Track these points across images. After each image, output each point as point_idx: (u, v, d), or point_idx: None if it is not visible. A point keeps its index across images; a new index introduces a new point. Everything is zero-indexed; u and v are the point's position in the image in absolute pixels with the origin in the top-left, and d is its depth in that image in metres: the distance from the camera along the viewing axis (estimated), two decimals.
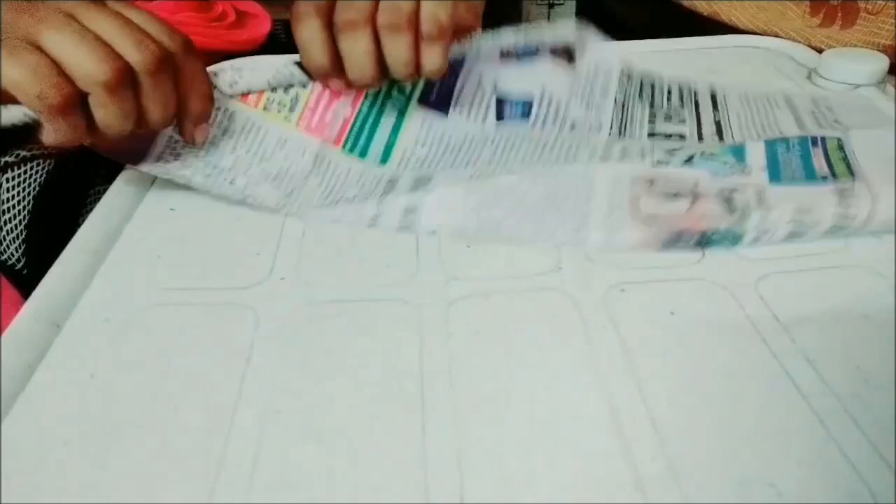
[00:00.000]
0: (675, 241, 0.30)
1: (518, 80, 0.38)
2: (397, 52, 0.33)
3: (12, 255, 0.46)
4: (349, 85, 0.35)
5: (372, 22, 0.33)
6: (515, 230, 0.31)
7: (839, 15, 0.52)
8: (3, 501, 0.20)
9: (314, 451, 0.22)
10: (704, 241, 0.30)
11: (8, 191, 0.46)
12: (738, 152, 0.33)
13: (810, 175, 0.31)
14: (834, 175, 0.31)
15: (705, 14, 0.57)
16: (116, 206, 0.34)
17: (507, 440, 0.22)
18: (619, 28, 0.69)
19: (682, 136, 0.36)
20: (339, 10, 0.33)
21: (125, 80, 0.28)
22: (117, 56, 0.28)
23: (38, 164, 0.47)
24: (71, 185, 0.48)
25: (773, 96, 0.38)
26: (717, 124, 0.36)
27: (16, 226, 0.46)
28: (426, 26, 0.33)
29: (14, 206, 0.46)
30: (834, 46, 0.51)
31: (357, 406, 0.23)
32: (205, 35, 0.58)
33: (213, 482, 0.21)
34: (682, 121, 0.37)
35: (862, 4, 0.51)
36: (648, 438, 0.22)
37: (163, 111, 0.30)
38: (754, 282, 0.28)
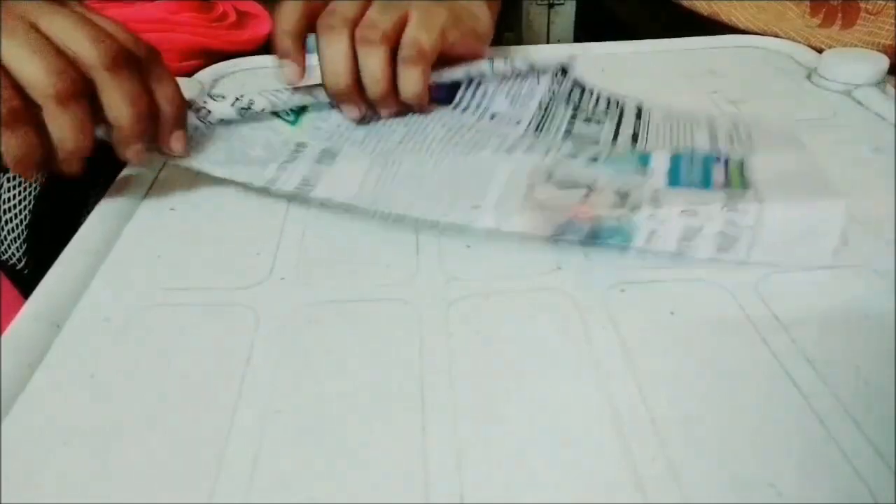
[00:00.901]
0: (565, 229, 0.30)
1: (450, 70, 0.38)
2: (369, 66, 0.34)
3: (13, 254, 0.46)
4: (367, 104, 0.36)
5: (388, 41, 0.34)
6: (407, 206, 0.31)
7: (839, 15, 0.52)
8: (3, 501, 0.20)
9: (314, 451, 0.22)
10: (595, 233, 0.30)
11: (9, 191, 0.46)
12: (644, 158, 0.34)
13: (707, 184, 0.32)
14: (728, 186, 0.32)
15: (705, 14, 0.57)
16: (116, 206, 0.34)
17: (507, 440, 0.22)
18: (619, 28, 0.69)
19: (596, 141, 0.36)
20: (361, 26, 0.34)
21: (77, 91, 0.28)
22: (70, 67, 0.28)
23: None
24: (72, 186, 0.48)
25: (697, 117, 0.38)
26: (635, 135, 0.36)
27: (17, 226, 0.46)
28: (405, 50, 0.34)
29: (15, 207, 0.46)
30: (834, 46, 0.51)
31: (357, 406, 0.23)
32: (205, 35, 0.58)
33: (213, 482, 0.21)
34: (600, 124, 0.37)
35: (862, 4, 0.51)
36: (648, 438, 0.22)
37: (128, 109, 0.29)
38: (754, 282, 0.28)
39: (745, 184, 0.32)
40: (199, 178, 0.37)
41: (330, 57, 0.34)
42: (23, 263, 0.46)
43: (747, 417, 0.22)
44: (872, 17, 0.51)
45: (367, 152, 0.35)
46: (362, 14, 0.34)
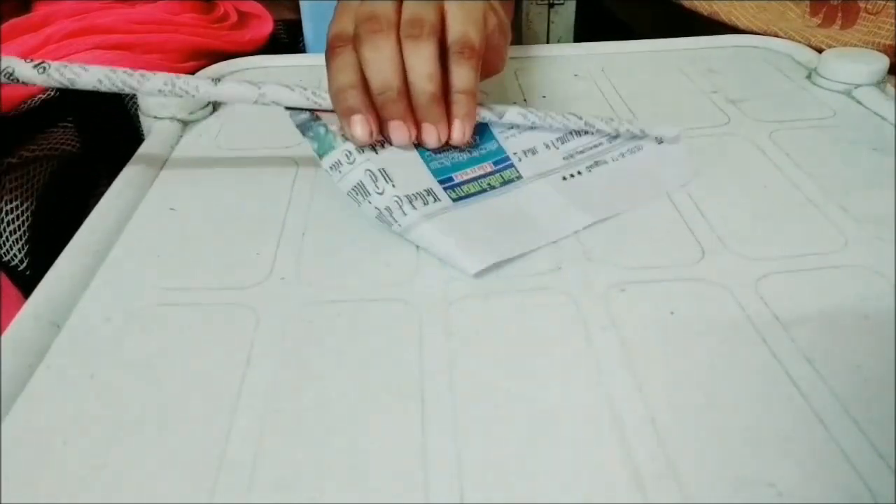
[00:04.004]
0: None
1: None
2: (420, 63, 0.30)
3: (15, 255, 0.46)
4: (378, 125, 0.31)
5: (437, 34, 0.31)
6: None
7: (839, 15, 0.52)
8: (3, 501, 0.20)
9: (314, 451, 0.22)
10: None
11: (11, 192, 0.46)
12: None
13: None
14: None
15: (705, 14, 0.57)
16: (116, 206, 0.34)
17: (507, 440, 0.22)
18: (619, 28, 0.69)
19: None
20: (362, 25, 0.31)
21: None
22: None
23: (40, 166, 0.47)
24: (73, 186, 0.48)
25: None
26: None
27: (19, 226, 0.46)
28: (455, 46, 0.31)
29: (17, 207, 0.46)
30: (834, 46, 0.51)
31: (357, 406, 0.23)
32: (206, 36, 0.58)
33: (213, 482, 0.21)
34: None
35: (862, 4, 0.51)
36: (648, 438, 0.22)
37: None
38: (754, 282, 0.28)
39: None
40: (199, 178, 0.37)
41: (376, 60, 0.30)
42: (25, 264, 0.46)
43: (747, 417, 0.22)
44: (872, 17, 0.51)
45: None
46: (399, 13, 0.31)
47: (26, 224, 0.46)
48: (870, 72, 0.43)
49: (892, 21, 0.50)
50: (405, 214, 0.30)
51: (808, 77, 0.46)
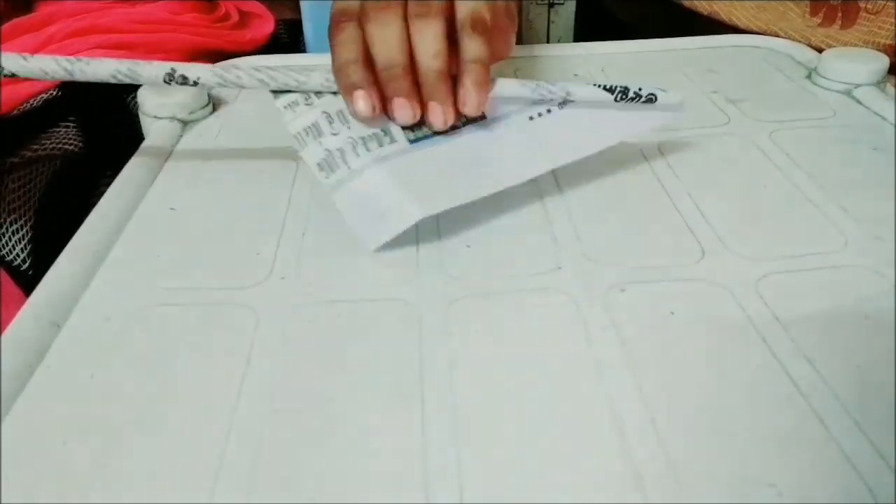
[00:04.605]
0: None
1: None
2: (426, 41, 0.29)
3: (17, 255, 0.46)
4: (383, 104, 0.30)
5: (445, 12, 0.30)
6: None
7: (839, 15, 0.52)
8: (3, 501, 0.20)
9: (314, 451, 0.22)
10: None
11: (13, 191, 0.46)
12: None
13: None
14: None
15: (705, 14, 0.57)
16: (116, 206, 0.34)
17: (507, 440, 0.22)
18: (619, 28, 0.69)
19: None
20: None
21: None
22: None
23: (43, 165, 0.47)
24: (76, 186, 0.48)
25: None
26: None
27: (21, 226, 0.46)
28: (466, 21, 0.30)
29: (19, 207, 0.46)
30: (834, 46, 0.51)
31: (357, 406, 0.23)
32: (208, 35, 0.58)
33: (213, 482, 0.21)
34: None
35: (862, 4, 0.51)
36: (648, 438, 0.22)
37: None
38: (754, 282, 0.28)
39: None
40: (199, 178, 0.37)
41: (382, 37, 0.29)
42: (28, 264, 0.46)
43: (747, 417, 0.22)
44: (872, 16, 0.51)
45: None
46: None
47: (29, 223, 0.46)
48: (870, 72, 0.43)
49: (892, 21, 0.50)
50: (357, 156, 0.29)
51: (808, 77, 0.46)
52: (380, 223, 0.29)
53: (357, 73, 0.30)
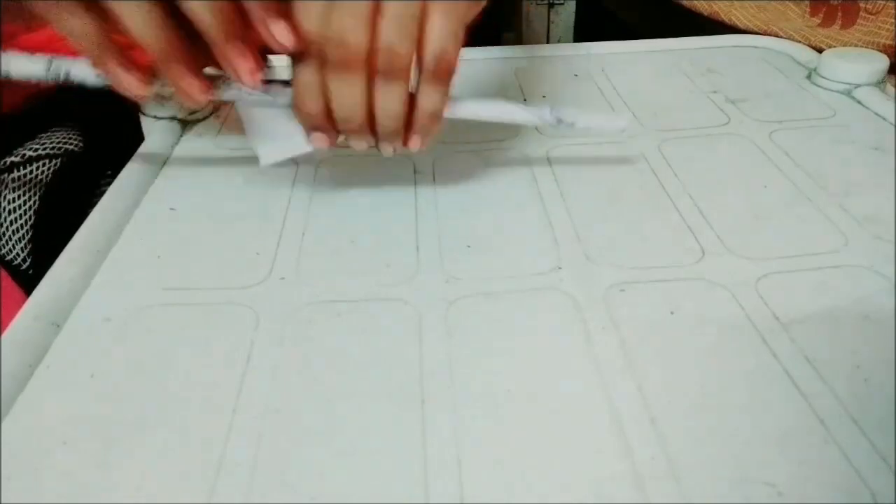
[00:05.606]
0: None
1: None
2: (388, 103, 0.29)
3: (18, 254, 0.46)
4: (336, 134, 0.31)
5: (409, 70, 0.29)
6: None
7: (839, 15, 0.52)
8: (3, 501, 0.20)
9: (314, 451, 0.22)
10: None
11: (13, 191, 0.46)
12: None
13: None
14: None
15: (705, 14, 0.57)
16: (116, 206, 0.34)
17: (507, 440, 0.22)
18: (619, 28, 0.69)
19: None
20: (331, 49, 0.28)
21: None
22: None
23: (43, 165, 0.48)
24: (76, 185, 0.48)
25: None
26: None
27: (21, 226, 0.46)
28: (430, 65, 0.29)
29: (20, 207, 0.46)
30: (834, 46, 0.51)
31: (357, 406, 0.23)
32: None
33: (213, 482, 0.21)
34: None
35: (862, 4, 0.51)
36: (648, 438, 0.22)
37: None
38: (754, 282, 0.28)
39: None
40: (198, 178, 0.37)
41: (343, 96, 0.29)
42: (28, 263, 0.46)
43: (747, 417, 0.22)
44: (872, 16, 0.51)
45: None
46: (373, 29, 0.28)
47: (29, 223, 0.46)
48: (870, 72, 0.43)
49: (892, 21, 0.50)
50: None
51: (808, 77, 0.46)
52: (274, 145, 0.33)
53: (318, 120, 0.30)
